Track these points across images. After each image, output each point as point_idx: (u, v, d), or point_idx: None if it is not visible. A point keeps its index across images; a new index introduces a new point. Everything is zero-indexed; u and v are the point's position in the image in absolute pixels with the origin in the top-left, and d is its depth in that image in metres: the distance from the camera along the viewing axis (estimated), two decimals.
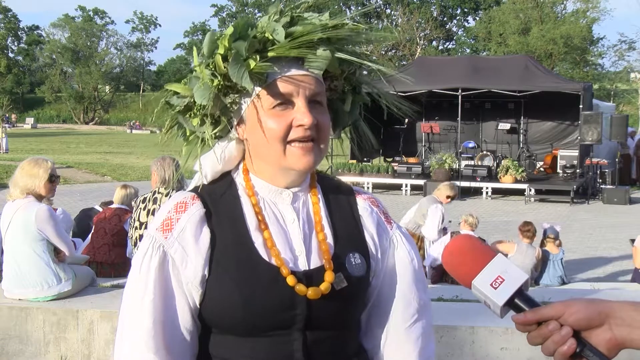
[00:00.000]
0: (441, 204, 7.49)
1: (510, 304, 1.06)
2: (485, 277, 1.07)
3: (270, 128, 1.27)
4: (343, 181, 1.47)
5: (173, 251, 1.27)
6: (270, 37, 1.27)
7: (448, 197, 7.59)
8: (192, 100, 1.32)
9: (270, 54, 1.26)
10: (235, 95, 1.30)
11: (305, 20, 1.29)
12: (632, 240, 7.55)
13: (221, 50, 1.26)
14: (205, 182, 1.35)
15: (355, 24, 1.33)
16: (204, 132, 1.33)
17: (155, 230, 1.30)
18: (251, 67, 1.25)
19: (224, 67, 1.26)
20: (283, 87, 1.27)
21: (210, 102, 1.28)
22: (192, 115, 1.34)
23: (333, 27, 1.29)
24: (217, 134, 1.35)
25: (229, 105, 1.31)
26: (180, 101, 1.34)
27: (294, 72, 1.27)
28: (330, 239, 1.33)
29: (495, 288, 1.06)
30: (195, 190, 1.35)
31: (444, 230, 7.55)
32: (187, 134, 1.38)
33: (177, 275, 1.27)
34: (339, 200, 1.40)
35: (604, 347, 1.01)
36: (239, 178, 1.36)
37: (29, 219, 4.33)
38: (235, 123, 1.34)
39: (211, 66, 1.28)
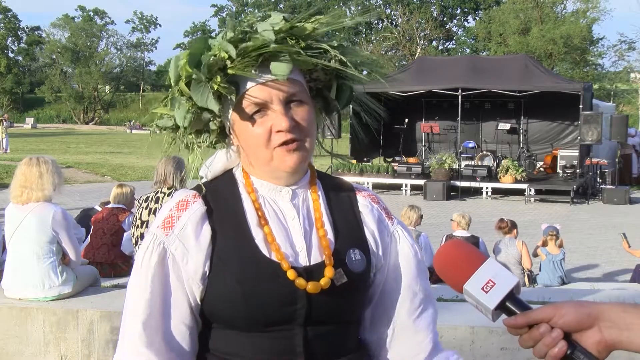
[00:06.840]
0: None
1: (501, 308, 1.07)
2: (476, 281, 1.09)
3: (253, 135, 1.30)
4: (344, 180, 1.49)
5: (174, 248, 1.30)
6: (226, 57, 1.27)
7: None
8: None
9: (229, 71, 1.28)
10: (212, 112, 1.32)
11: (255, 35, 1.29)
12: (624, 234, 7.85)
13: (183, 77, 1.29)
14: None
15: (316, 17, 1.31)
16: (204, 142, 1.37)
17: (156, 228, 1.33)
18: (215, 88, 1.27)
19: (189, 92, 1.29)
20: (256, 95, 1.29)
21: (190, 123, 1.32)
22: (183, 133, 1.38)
23: (289, 29, 1.29)
24: (216, 140, 1.39)
25: (210, 119, 1.34)
26: (168, 122, 1.37)
27: (265, 78, 1.28)
28: (330, 235, 1.34)
29: (487, 292, 1.07)
30: (197, 188, 1.38)
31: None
32: (188, 144, 1.41)
33: (177, 272, 1.30)
34: (339, 197, 1.41)
35: (594, 349, 1.02)
36: (239, 175, 1.39)
37: (46, 219, 4.37)
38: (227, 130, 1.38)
39: (178, 92, 1.32)
